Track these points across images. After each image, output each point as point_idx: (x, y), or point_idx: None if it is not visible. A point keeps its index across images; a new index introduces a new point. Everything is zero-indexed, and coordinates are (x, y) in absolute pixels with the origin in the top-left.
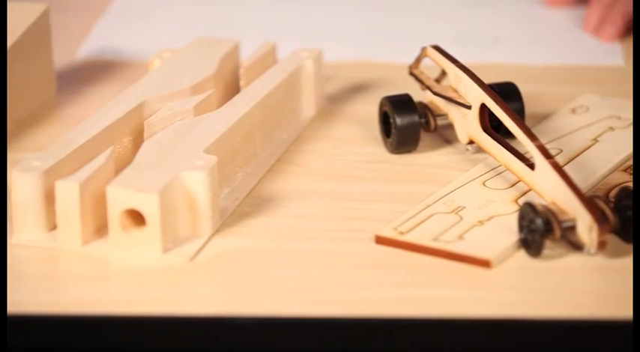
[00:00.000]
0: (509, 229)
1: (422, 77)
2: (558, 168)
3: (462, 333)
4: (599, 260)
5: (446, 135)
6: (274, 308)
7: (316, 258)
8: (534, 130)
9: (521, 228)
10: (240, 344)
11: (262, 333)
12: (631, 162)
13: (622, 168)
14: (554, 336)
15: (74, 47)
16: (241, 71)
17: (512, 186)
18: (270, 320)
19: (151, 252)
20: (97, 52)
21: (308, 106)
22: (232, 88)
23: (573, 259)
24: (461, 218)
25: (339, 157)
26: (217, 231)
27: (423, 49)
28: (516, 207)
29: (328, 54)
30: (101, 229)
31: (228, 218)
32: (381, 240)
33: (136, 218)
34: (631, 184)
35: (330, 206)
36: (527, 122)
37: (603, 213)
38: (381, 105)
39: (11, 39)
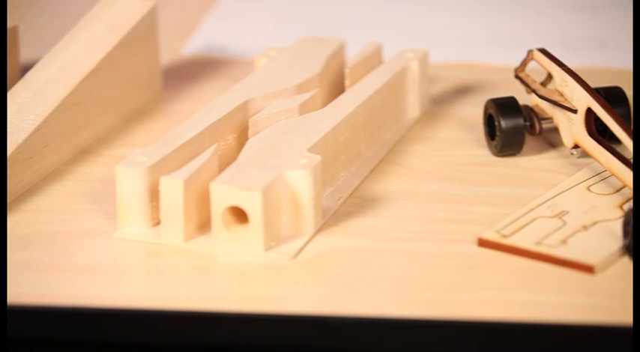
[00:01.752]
0: (613, 235)
1: (528, 80)
2: None
3: (562, 338)
4: None
5: (550, 139)
6: (375, 309)
7: (417, 259)
8: None
9: (625, 234)
10: (339, 344)
11: (362, 333)
12: None
13: None
14: None
15: (180, 44)
16: (346, 71)
17: (618, 191)
18: (370, 320)
19: (253, 250)
20: (203, 49)
21: (412, 107)
22: (337, 88)
23: None
24: (564, 222)
25: (443, 159)
26: (319, 230)
27: (530, 52)
28: (621, 213)
29: (433, 55)
30: (204, 226)
31: (330, 217)
32: (483, 243)
33: (239, 215)
34: None
35: (433, 207)
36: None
37: None
38: (486, 108)
39: (119, 35)
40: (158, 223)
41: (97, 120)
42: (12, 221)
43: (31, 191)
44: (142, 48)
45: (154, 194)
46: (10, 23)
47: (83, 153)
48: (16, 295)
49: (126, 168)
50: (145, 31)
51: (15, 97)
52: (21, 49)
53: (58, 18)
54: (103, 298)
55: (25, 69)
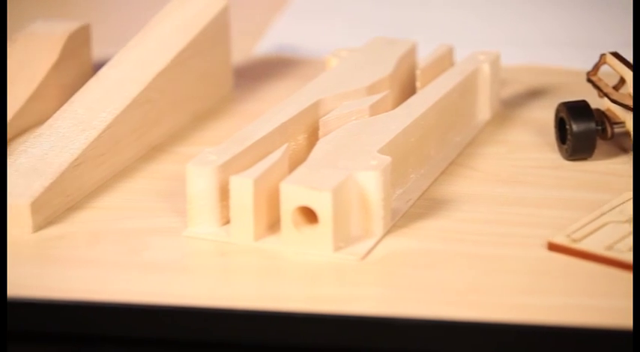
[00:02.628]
0: None
1: (600, 84)
2: None
3: (632, 343)
4: None
5: (622, 144)
6: (442, 312)
7: (486, 263)
8: None
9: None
10: (406, 346)
11: (429, 335)
12: None
13: None
14: None
15: (252, 43)
16: (418, 72)
17: None
18: (437, 323)
19: (322, 250)
20: (275, 49)
21: (483, 110)
22: (408, 89)
23: None
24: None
25: (513, 162)
26: (389, 231)
27: (602, 56)
28: None
29: (504, 58)
30: (274, 225)
31: (399, 219)
32: (553, 247)
33: (309, 215)
34: None
35: (502, 211)
36: None
37: None
38: (558, 111)
39: (191, 34)
40: (228, 222)
41: (169, 118)
42: (83, 217)
43: (102, 188)
44: (214, 47)
45: (224, 193)
46: (82, 21)
47: (154, 150)
48: (86, 291)
49: (196, 166)
50: (217, 30)
51: (87, 94)
52: (93, 47)
53: (131, 16)
54: (172, 296)
55: (97, 66)
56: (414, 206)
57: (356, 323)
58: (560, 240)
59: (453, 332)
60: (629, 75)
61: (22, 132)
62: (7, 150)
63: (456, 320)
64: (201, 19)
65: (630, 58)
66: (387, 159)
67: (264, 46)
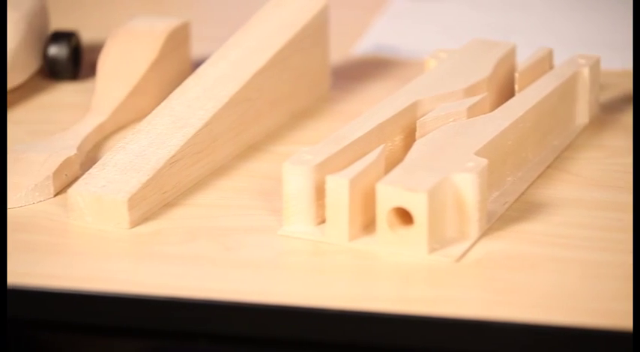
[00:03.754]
0: None
1: None
2: None
3: None
4: None
5: None
6: (537, 316)
7: (582, 267)
8: None
9: None
10: (499, 349)
11: (523, 339)
12: None
13: None
14: None
15: (350, 43)
16: (516, 75)
17: None
18: (532, 327)
19: (417, 252)
20: (373, 49)
21: (582, 114)
22: (506, 92)
23: None
24: None
25: (611, 167)
26: (484, 233)
27: None
28: None
29: (603, 62)
30: (368, 226)
31: (495, 221)
32: None
33: (404, 217)
34: None
35: (599, 215)
36: None
37: None
38: None
39: (290, 33)
40: (323, 221)
41: (266, 117)
42: (179, 214)
43: (198, 185)
44: (313, 46)
45: (320, 192)
46: (182, 19)
47: (251, 149)
48: (180, 288)
49: (293, 165)
50: (316, 29)
51: (186, 92)
52: (193, 44)
53: (230, 14)
54: (266, 294)
55: (197, 64)
56: (510, 209)
57: (449, 326)
58: None
59: (546, 337)
60: None
61: (121, 128)
62: (107, 144)
63: (549, 324)
64: (300, 18)
65: None
66: (484, 161)
67: (363, 46)
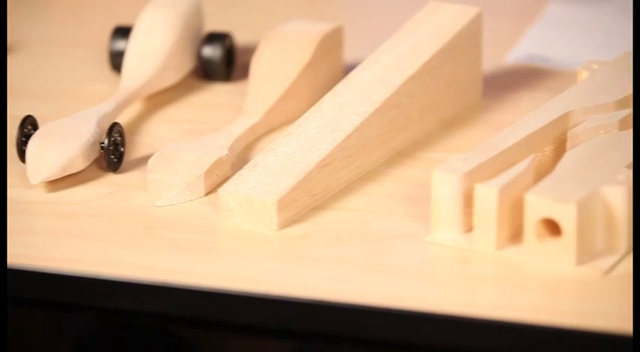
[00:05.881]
0: None
1: None
2: None
3: None
4: None
5: None
6: None
7: None
8: None
9: None
10: None
11: None
12: None
13: None
14: None
15: (503, 52)
16: None
17: None
18: None
19: (564, 263)
20: (526, 59)
21: None
22: None
23: None
24: None
25: None
26: (633, 247)
27: None
28: None
29: None
30: (515, 235)
31: None
32: None
33: (552, 227)
34: None
35: None
36: None
37: None
38: None
39: (443, 40)
40: (470, 229)
41: (416, 124)
42: (327, 217)
43: (347, 189)
44: (465, 54)
45: (469, 200)
46: (336, 23)
47: (400, 155)
48: (327, 291)
49: (442, 173)
50: (469, 37)
51: (337, 96)
52: (345, 49)
53: (384, 20)
54: (412, 300)
55: (349, 68)
56: None
57: (597, 339)
58: None
59: None
60: None
61: (272, 130)
62: (258, 146)
63: None
64: (453, 26)
65: None
66: None
67: (515, 55)
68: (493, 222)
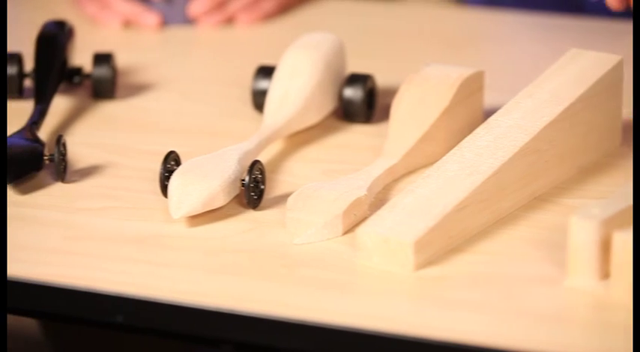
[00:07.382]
0: None
1: None
2: None
3: None
4: None
5: None
6: None
7: None
8: None
9: None
10: None
11: None
12: None
13: None
14: None
15: None
16: None
17: None
18: None
19: None
20: None
21: None
22: None
23: None
24: None
25: None
26: None
27: None
28: None
29: None
30: None
31: None
32: None
33: None
34: None
35: None
36: None
37: None
38: None
39: (583, 87)
40: (607, 276)
41: (554, 170)
42: (463, 260)
43: (484, 232)
44: (605, 101)
45: (606, 247)
46: (476, 68)
47: (538, 200)
48: (463, 333)
49: (580, 219)
50: (611, 84)
51: (477, 139)
52: (485, 94)
53: (524, 66)
54: (547, 344)
55: (488, 113)
56: None
57: None
58: None
59: None
60: None
61: (410, 172)
62: (396, 187)
63: None
64: (594, 73)
65: None
66: None
67: None
68: (629, 270)
